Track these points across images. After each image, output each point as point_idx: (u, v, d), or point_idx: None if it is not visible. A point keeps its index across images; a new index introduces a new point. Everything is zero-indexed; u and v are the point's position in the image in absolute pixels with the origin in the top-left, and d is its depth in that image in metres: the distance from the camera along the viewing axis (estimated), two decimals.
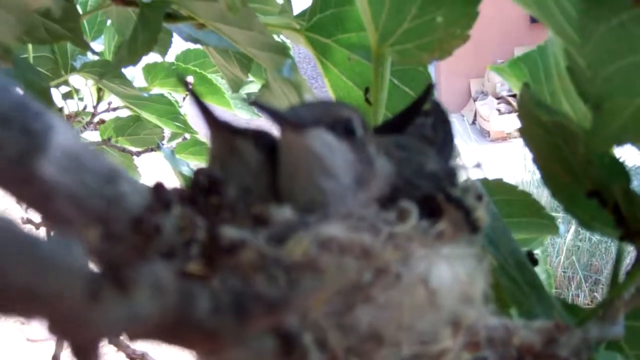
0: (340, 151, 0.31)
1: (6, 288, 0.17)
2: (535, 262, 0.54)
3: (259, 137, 0.32)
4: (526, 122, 0.49)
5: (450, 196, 0.33)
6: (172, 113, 1.16)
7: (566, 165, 0.48)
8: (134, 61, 0.72)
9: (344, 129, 0.31)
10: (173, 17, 0.74)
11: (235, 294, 0.23)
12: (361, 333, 0.30)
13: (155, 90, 1.26)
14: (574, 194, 0.51)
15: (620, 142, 0.40)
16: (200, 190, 0.29)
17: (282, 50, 0.68)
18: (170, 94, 1.29)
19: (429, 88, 0.38)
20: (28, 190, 0.22)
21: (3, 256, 0.17)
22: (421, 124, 0.38)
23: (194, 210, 0.27)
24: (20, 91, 0.22)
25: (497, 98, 5.80)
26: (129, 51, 0.70)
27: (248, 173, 0.32)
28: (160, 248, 0.24)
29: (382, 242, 0.30)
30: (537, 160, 0.52)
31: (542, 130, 0.48)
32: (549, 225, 0.64)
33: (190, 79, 1.21)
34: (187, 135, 1.29)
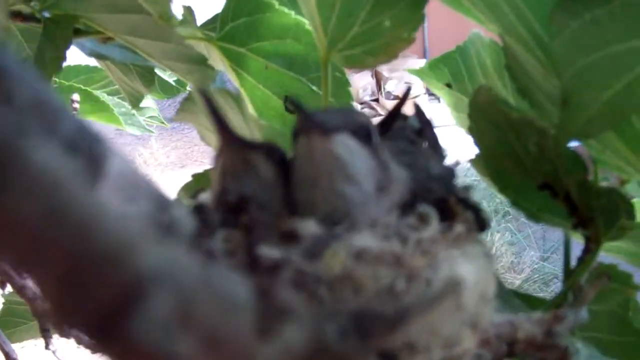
0: (362, 157, 0.30)
1: (199, 338, 0.14)
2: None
3: (270, 150, 0.31)
4: (478, 121, 0.50)
5: (460, 197, 0.33)
6: None
7: (517, 161, 0.50)
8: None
9: (363, 135, 0.30)
10: (76, 31, 0.70)
11: (354, 315, 0.21)
12: (396, 342, 0.29)
13: None
14: (522, 188, 0.52)
15: (586, 136, 0.42)
16: (231, 210, 0.27)
17: (203, 62, 0.66)
18: None
19: (408, 91, 0.38)
20: None
21: (195, 300, 0.14)
22: (401, 127, 0.38)
23: (234, 232, 0.25)
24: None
25: (361, 103, 5.95)
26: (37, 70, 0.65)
27: (263, 187, 0.30)
28: None
29: (411, 249, 0.29)
30: (485, 158, 0.53)
31: (494, 128, 0.49)
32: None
33: (75, 96, 1.14)
34: None
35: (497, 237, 4.37)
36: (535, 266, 4.03)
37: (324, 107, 0.52)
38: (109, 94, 1.22)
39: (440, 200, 0.32)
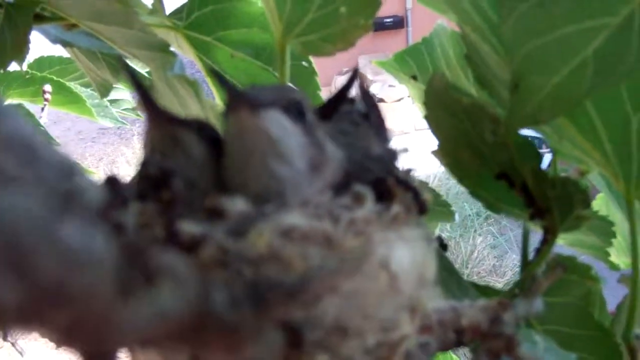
0: (295, 135, 0.29)
1: (37, 286, 0.14)
2: (445, 247, 0.55)
3: (201, 128, 0.30)
4: (434, 109, 0.50)
5: (399, 178, 0.32)
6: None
7: (474, 150, 0.49)
8: (3, 66, 0.66)
9: (296, 112, 0.29)
10: (40, 17, 0.69)
11: (250, 284, 0.21)
12: (327, 325, 0.28)
13: (12, 100, 1.17)
14: (480, 178, 0.52)
15: (536, 122, 0.42)
16: (150, 183, 0.26)
17: (165, 49, 0.65)
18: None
19: (355, 74, 0.37)
20: None
21: (31, 247, 0.14)
22: (348, 110, 0.38)
23: (151, 205, 0.25)
24: None
25: None
26: None
27: (192, 165, 0.29)
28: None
29: (343, 229, 0.28)
30: (443, 147, 0.52)
31: (450, 117, 0.49)
32: (446, 213, 0.66)
33: (47, 87, 1.13)
34: None
35: (479, 241, 4.37)
36: (517, 269, 4.04)
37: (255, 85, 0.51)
38: (82, 85, 1.21)
39: (378, 181, 0.31)
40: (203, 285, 0.20)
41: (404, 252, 0.30)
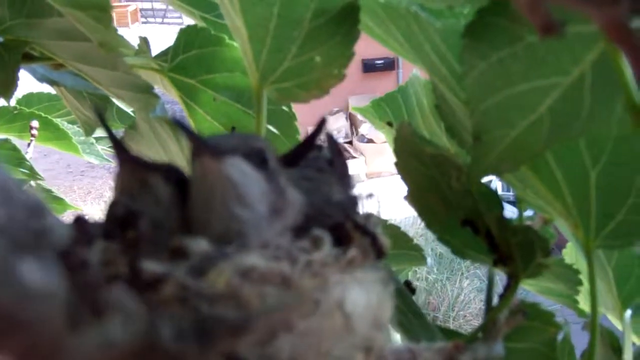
0: (256, 180, 0.31)
1: None
2: (413, 291, 0.57)
3: (169, 171, 0.32)
4: (403, 156, 0.52)
5: (357, 223, 0.34)
6: (17, 159, 1.10)
7: (441, 197, 0.51)
8: None
9: (258, 159, 0.31)
10: (29, 57, 0.71)
11: (197, 318, 0.22)
12: (247, 349, 0.29)
13: None
14: (448, 224, 0.53)
15: (497, 172, 0.43)
16: (117, 223, 0.28)
17: (148, 91, 0.67)
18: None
19: (322, 122, 0.39)
20: None
21: None
22: (315, 157, 0.39)
23: (115, 244, 0.26)
24: None
25: None
26: None
27: (159, 207, 0.31)
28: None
29: (300, 270, 0.30)
30: (412, 193, 0.54)
31: (418, 164, 0.50)
32: (417, 257, 0.67)
33: (34, 123, 1.15)
34: (33, 183, 1.22)
35: (465, 284, 4.38)
36: None
37: (221, 133, 0.53)
38: (69, 122, 1.23)
39: (337, 225, 0.33)
40: (151, 319, 0.21)
41: (359, 294, 0.32)
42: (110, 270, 0.25)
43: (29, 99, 1.23)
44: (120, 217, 0.28)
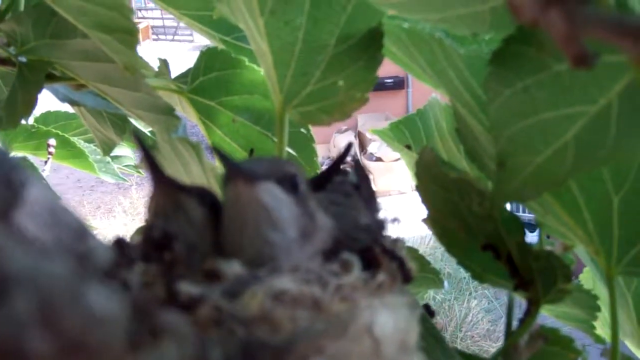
0: (287, 205, 0.31)
1: (63, 339, 0.16)
2: (432, 314, 0.57)
3: (202, 194, 0.32)
4: (424, 180, 0.52)
5: (385, 248, 0.34)
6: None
7: (462, 221, 0.51)
8: (14, 123, 0.68)
9: (290, 184, 0.32)
10: (51, 77, 0.72)
11: (241, 343, 0.23)
12: None
13: (16, 153, 1.19)
14: (467, 248, 0.54)
15: (520, 199, 0.44)
16: (154, 246, 0.28)
17: (170, 112, 0.68)
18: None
19: (349, 147, 0.39)
20: None
21: (61, 307, 0.16)
22: (341, 181, 0.40)
23: (153, 266, 0.27)
24: None
25: None
26: (8, 113, 0.67)
27: (193, 229, 0.31)
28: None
29: (331, 294, 0.30)
30: (433, 217, 0.54)
31: (439, 188, 0.51)
32: (435, 280, 0.67)
33: (52, 141, 1.16)
34: None
35: (473, 304, 4.36)
36: None
37: (254, 157, 0.54)
38: (85, 141, 1.24)
39: (365, 249, 0.33)
40: (201, 344, 0.22)
41: (387, 318, 0.32)
42: (150, 292, 0.26)
43: (46, 117, 1.24)
44: (157, 240, 0.28)
